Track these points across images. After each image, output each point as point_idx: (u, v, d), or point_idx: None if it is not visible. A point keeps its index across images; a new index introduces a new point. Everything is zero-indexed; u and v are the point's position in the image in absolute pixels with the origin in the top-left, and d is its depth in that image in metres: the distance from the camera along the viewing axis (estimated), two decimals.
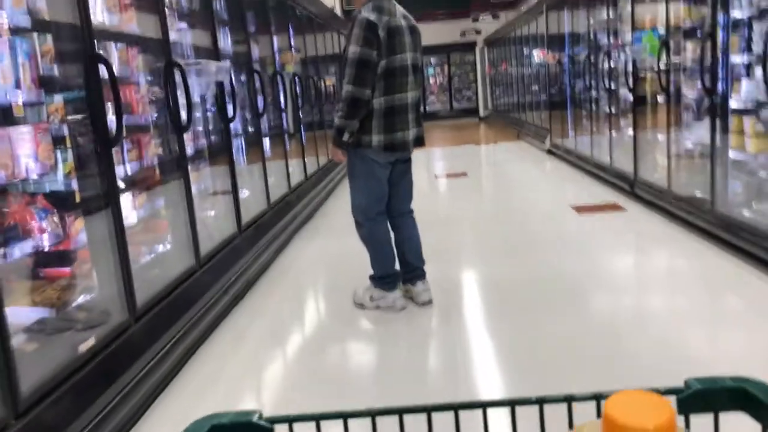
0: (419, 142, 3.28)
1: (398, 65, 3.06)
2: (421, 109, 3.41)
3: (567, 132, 8.53)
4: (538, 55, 9.66)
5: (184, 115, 3.06)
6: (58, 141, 2.32)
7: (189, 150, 3.62)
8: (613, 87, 6.25)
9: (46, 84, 2.26)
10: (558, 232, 4.86)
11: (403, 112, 3.13)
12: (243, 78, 4.43)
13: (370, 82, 3.00)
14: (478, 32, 17.93)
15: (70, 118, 2.32)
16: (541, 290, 3.49)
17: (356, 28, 2.99)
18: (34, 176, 2.27)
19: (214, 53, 3.69)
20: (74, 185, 2.36)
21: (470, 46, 18.78)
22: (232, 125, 3.94)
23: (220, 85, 3.64)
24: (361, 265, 3.38)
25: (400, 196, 3.34)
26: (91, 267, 2.40)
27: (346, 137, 3.09)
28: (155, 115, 3.09)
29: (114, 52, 2.79)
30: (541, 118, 10.41)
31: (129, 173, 2.89)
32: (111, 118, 2.61)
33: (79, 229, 2.38)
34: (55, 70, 2.28)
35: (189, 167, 3.60)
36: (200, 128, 3.87)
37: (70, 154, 2.34)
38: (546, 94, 9.71)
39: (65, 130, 2.32)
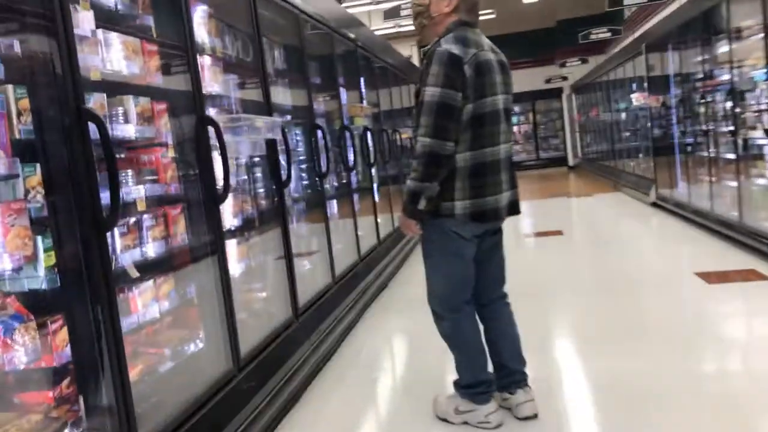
0: (514, 208, 2.54)
1: (488, 110, 2.36)
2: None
3: (676, 182, 7.51)
4: (637, 98, 8.73)
5: (220, 183, 2.48)
6: (39, 225, 1.77)
7: (236, 220, 3.06)
8: (737, 129, 5.29)
9: (23, 151, 1.72)
10: (685, 308, 3.95)
11: (495, 170, 2.41)
12: (304, 134, 3.87)
13: (453, 133, 2.31)
14: (564, 78, 17.17)
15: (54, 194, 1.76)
16: (674, 395, 2.65)
17: (435, 64, 2.31)
18: (6, 272, 1.72)
19: (266, 107, 3.14)
20: (59, 282, 1.78)
21: (556, 93, 18.06)
22: (289, 188, 3.36)
23: (271, 144, 3.07)
24: (446, 353, 2.62)
25: (489, 278, 2.59)
26: (78, 390, 1.80)
27: (422, 204, 2.40)
28: (187, 183, 2.52)
29: (132, 108, 2.26)
30: (642, 167, 9.39)
31: (151, 255, 2.32)
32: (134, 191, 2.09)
33: (65, 338, 1.79)
34: (35, 134, 1.74)
35: (235, 240, 3.04)
36: (250, 193, 3.31)
37: (55, 241, 1.78)
38: (649, 140, 8.71)
39: (47, 211, 1.77)
